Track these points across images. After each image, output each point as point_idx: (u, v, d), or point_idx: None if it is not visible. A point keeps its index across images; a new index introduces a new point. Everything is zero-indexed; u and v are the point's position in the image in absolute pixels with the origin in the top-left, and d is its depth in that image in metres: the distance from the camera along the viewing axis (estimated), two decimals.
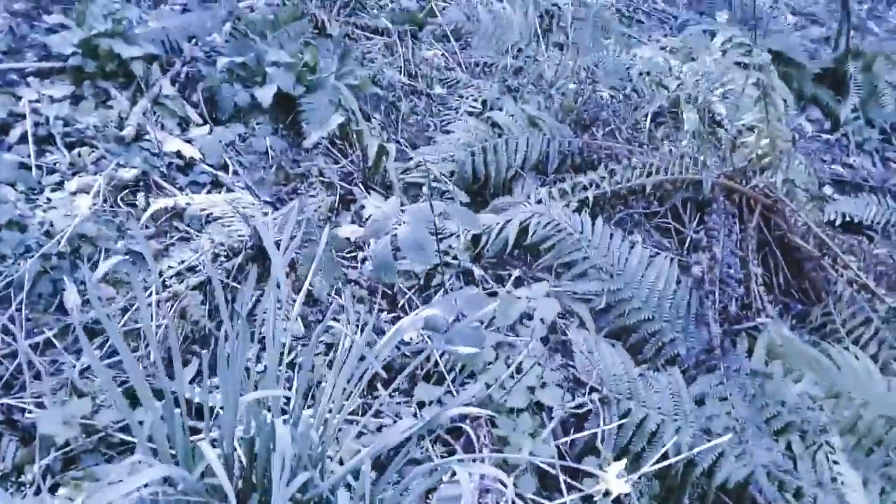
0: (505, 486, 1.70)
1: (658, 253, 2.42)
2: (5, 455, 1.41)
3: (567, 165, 3.08)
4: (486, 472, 1.11)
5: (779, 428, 2.05)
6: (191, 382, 1.77)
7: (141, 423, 1.36)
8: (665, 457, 1.93)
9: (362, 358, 1.49)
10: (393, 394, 2.01)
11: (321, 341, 2.13)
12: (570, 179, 2.81)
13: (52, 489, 1.37)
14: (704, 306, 2.31)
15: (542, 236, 2.30)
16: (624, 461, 1.32)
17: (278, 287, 1.44)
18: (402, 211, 2.14)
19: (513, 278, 2.03)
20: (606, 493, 1.83)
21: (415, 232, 1.51)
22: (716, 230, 2.69)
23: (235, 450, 1.46)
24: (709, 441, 1.98)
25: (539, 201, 2.58)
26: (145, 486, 1.26)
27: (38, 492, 1.35)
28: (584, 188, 2.66)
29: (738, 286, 2.48)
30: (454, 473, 1.82)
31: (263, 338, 1.98)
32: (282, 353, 1.76)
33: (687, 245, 2.98)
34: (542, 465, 1.83)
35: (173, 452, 1.32)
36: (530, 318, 2.32)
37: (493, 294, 2.24)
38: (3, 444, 1.43)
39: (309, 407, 1.68)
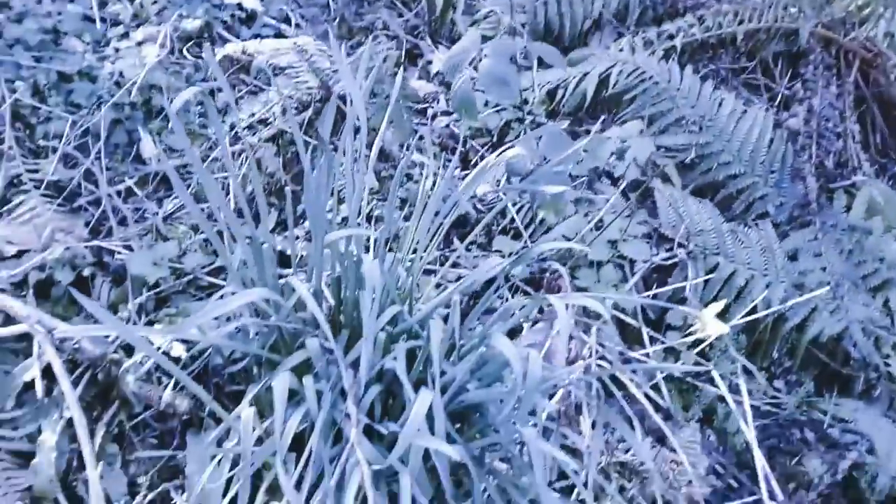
0: (588, 333, 1.67)
1: (751, 104, 2.25)
2: (100, 295, 1.44)
3: (648, 17, 2.85)
4: (582, 303, 1.06)
5: (876, 284, 1.95)
6: (271, 231, 1.76)
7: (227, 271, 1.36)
8: (754, 311, 1.87)
9: (436, 213, 1.44)
10: (470, 247, 1.98)
11: (398, 196, 2.09)
12: (652, 30, 2.60)
13: (148, 325, 1.40)
14: (800, 160, 2.16)
15: (625, 86, 2.15)
16: (720, 304, 1.26)
17: (357, 124, 1.38)
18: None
19: (595, 128, 1.91)
20: (693, 345, 1.80)
21: (497, 66, 1.40)
22: (813, 81, 2.48)
23: (323, 291, 1.46)
24: (801, 297, 1.90)
25: (620, 51, 2.40)
26: (235, 318, 1.27)
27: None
28: (671, 37, 2.46)
29: (837, 140, 2.30)
30: (535, 323, 1.81)
31: (340, 191, 1.95)
32: (359, 206, 1.73)
33: (778, 102, 2.77)
34: (624, 317, 1.79)
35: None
36: (609, 175, 2.22)
37: None
38: (98, 285, 1.46)
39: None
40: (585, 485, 1.03)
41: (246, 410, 1.06)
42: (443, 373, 1.14)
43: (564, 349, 0.98)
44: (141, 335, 0.98)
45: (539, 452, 0.91)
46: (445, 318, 1.65)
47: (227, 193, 1.75)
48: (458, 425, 1.21)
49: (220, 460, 1.15)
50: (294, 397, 1.15)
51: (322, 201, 1.26)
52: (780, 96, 2.76)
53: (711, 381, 1.84)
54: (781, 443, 1.83)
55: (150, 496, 1.21)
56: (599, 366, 1.63)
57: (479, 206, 2.11)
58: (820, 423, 1.87)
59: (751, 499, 1.68)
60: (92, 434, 1.23)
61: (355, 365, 1.13)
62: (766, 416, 1.84)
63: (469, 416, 1.16)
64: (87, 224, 1.58)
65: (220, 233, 1.39)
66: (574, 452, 1.46)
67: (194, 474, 1.22)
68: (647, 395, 1.73)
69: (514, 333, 1.71)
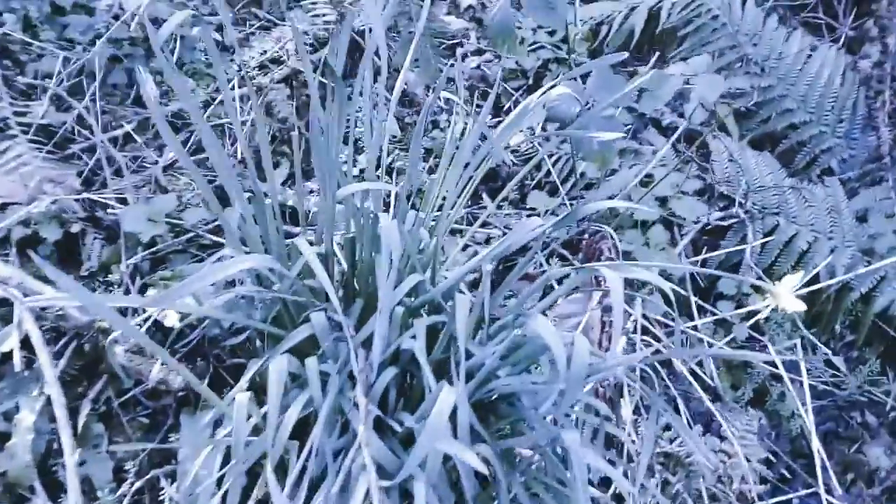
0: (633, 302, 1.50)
1: (820, 42, 2.00)
2: (91, 253, 1.30)
3: None
4: (636, 277, 0.89)
5: None
6: (282, 185, 1.61)
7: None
8: (815, 280, 1.68)
9: (466, 165, 1.26)
10: (501, 204, 1.80)
11: (421, 146, 1.91)
12: None
13: (141, 290, 1.26)
14: (872, 107, 1.92)
15: (679, 21, 1.92)
16: (796, 276, 1.07)
17: (377, 56, 1.19)
18: None
19: (645, 70, 1.70)
20: (746, 317, 1.62)
21: None
22: (888, 18, 2.20)
23: (335, 254, 1.30)
24: (869, 263, 1.70)
25: None
26: (239, 284, 1.13)
27: (126, 292, 1.24)
28: None
29: None
30: (571, 292, 1.64)
31: (358, 139, 1.78)
32: (379, 157, 1.56)
33: (841, 44, 2.50)
34: (671, 284, 1.61)
35: (266, 251, 1.17)
36: (657, 123, 2.01)
37: None
38: (88, 242, 1.32)
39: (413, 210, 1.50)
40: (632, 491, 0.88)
41: (240, 395, 0.92)
42: (469, 355, 0.99)
43: (619, 331, 0.81)
44: (113, 305, 0.84)
45: (582, 464, 0.76)
46: (475, 285, 1.49)
47: (235, 141, 1.59)
48: (485, 412, 1.06)
49: (214, 448, 1.02)
50: (298, 378, 1.01)
51: (333, 149, 1.09)
52: (843, 37, 2.48)
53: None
54: (840, 427, 1.66)
55: (137, 484, 1.09)
56: (644, 342, 1.47)
57: (512, 157, 1.93)
58: (883, 405, 1.69)
59: (805, 492, 1.52)
60: (76, 412, 1.11)
61: (368, 343, 0.99)
62: (823, 397, 1.66)
63: (497, 405, 1.01)
64: (79, 174, 1.44)
65: (219, 193, 1.24)
66: (613, 440, 1.31)
67: (187, 461, 1.10)
68: (693, 373, 1.57)
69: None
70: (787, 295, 1.06)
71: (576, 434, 0.78)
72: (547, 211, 1.67)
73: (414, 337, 0.98)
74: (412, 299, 1.08)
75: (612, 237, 1.52)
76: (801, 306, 1.06)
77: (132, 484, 1.08)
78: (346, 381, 0.97)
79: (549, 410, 0.84)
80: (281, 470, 1.00)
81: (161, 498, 1.12)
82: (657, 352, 1.44)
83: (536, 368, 1.18)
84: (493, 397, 0.97)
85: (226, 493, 0.97)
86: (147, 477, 1.10)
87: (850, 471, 1.57)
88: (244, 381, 1.03)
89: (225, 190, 1.14)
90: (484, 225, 1.71)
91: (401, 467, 0.92)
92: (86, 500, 1.10)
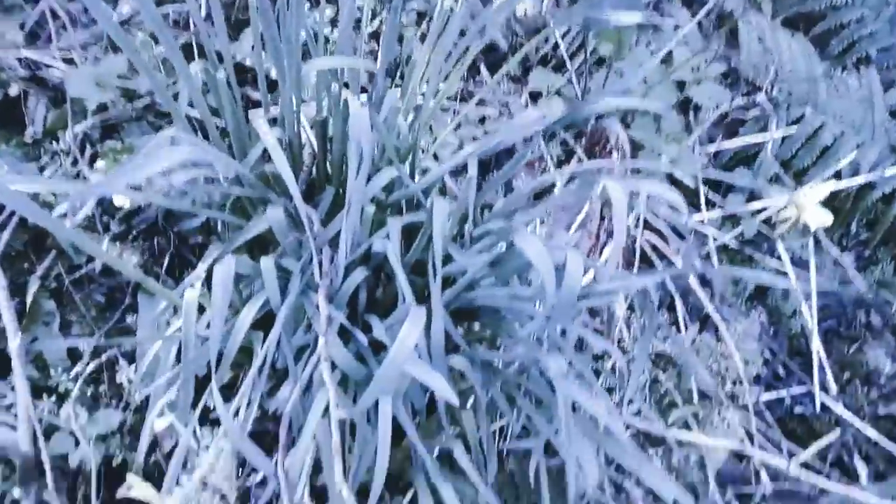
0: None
1: None
2: (34, 118, 1.16)
3: None
4: (651, 191, 0.76)
5: None
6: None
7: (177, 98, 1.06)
8: (837, 176, 1.56)
9: (463, 33, 1.09)
10: (500, 80, 1.63)
11: (413, 9, 1.71)
12: None
13: (91, 161, 1.14)
14: None
15: None
16: (826, 186, 0.95)
17: None
18: None
19: None
20: (758, 211, 1.51)
21: None
22: None
23: (303, 130, 1.17)
24: None
25: None
26: (193, 166, 1.00)
27: (74, 162, 1.12)
28: None
29: None
30: (569, 180, 1.51)
31: None
32: (359, 19, 1.37)
33: None
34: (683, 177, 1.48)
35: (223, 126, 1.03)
36: None
37: None
38: (31, 106, 1.17)
39: (396, 87, 1.34)
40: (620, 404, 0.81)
41: (189, 293, 0.82)
42: (450, 259, 0.88)
43: (620, 249, 0.70)
44: (39, 190, 0.72)
45: (566, 396, 0.67)
46: (462, 169, 1.36)
47: None
48: (465, 318, 0.97)
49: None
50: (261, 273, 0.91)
51: (294, 16, 0.92)
52: None
53: (772, 252, 1.58)
54: (842, 326, 1.59)
55: (92, 364, 1.01)
56: (646, 239, 1.36)
57: (517, 25, 1.73)
58: (890, 305, 1.61)
59: (799, 389, 1.47)
60: (23, 288, 1.02)
61: (336, 241, 0.88)
62: (827, 294, 1.58)
63: (479, 312, 0.92)
64: (21, 27, 1.26)
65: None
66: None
67: (145, 342, 1.02)
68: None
69: (544, 192, 1.43)
70: (812, 207, 0.94)
71: (561, 362, 0.68)
72: (549, 92, 1.51)
73: (388, 237, 0.87)
74: (387, 196, 0.96)
75: (618, 122, 1.37)
76: (828, 220, 0.94)
77: (87, 364, 1.01)
78: (311, 279, 0.87)
79: (535, 329, 0.74)
80: (246, 353, 0.92)
81: (118, 380, 1.06)
82: (657, 252, 1.34)
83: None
84: (476, 307, 0.87)
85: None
86: (104, 357, 1.03)
87: (847, 370, 1.52)
88: (201, 269, 0.93)
89: (204, 51, 0.98)
90: (480, 103, 1.55)
91: (367, 376, 0.84)
92: (40, 377, 1.04)
